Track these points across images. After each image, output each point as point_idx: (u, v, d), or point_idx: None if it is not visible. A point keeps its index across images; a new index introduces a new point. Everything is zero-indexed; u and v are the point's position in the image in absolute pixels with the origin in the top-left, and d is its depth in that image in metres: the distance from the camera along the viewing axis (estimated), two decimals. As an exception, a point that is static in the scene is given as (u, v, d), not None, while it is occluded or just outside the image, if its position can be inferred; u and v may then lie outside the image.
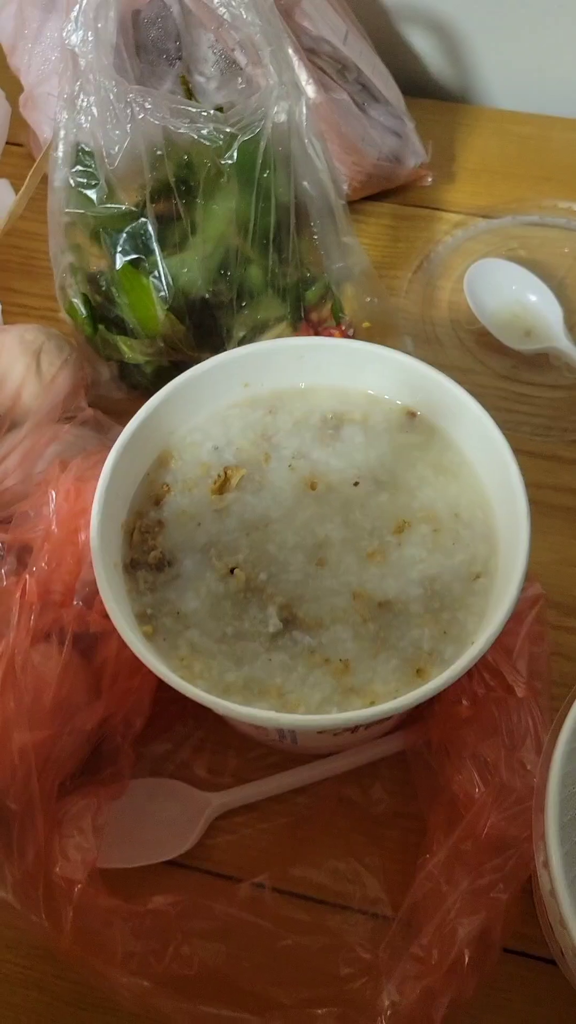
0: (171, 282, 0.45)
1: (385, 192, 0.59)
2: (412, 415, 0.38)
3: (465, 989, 0.32)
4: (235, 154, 0.44)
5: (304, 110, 0.43)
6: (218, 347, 0.47)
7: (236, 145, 0.43)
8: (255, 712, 0.31)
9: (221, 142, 0.44)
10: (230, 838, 0.39)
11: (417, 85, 0.65)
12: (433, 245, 0.56)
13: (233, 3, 0.42)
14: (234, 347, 0.42)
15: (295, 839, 0.39)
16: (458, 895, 0.33)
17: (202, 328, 0.47)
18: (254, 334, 0.48)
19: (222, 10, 0.43)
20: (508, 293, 0.52)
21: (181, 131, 0.43)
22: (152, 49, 0.49)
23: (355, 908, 0.37)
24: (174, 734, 0.41)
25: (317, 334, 0.49)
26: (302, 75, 0.46)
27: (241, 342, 0.47)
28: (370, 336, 0.51)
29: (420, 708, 0.33)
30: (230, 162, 0.44)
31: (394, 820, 0.39)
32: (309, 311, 0.50)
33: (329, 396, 0.39)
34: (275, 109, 0.42)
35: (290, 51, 0.45)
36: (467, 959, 0.32)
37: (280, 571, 0.35)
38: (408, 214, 0.59)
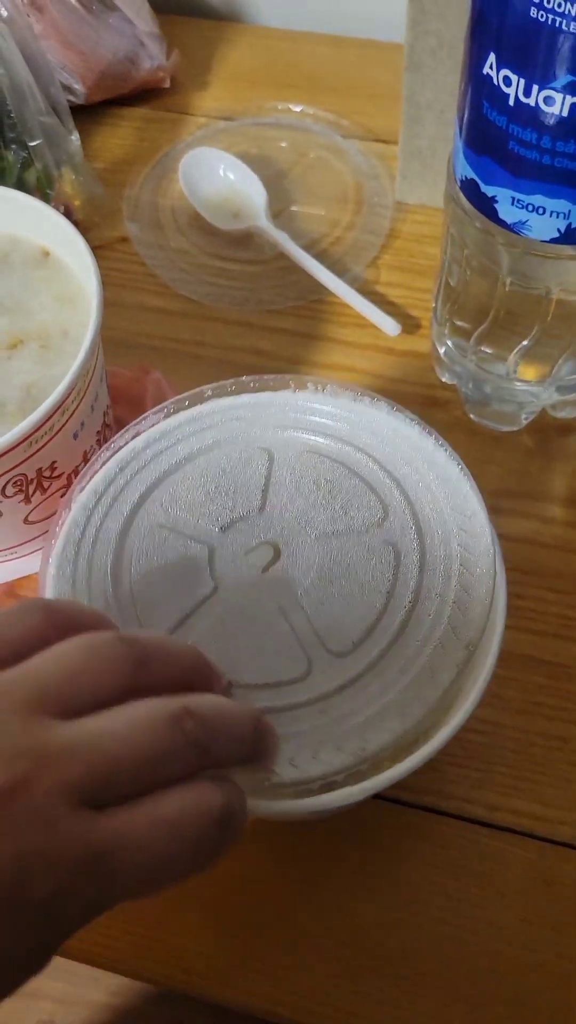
0: None
1: (138, 98, 0.63)
2: (46, 254, 0.43)
3: None
4: None
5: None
6: None
7: None
8: None
9: None
10: None
11: (187, 4, 0.69)
12: (174, 144, 0.61)
13: None
14: None
15: None
16: None
17: None
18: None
19: None
20: (220, 179, 0.57)
21: None
22: None
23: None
24: None
25: (36, 213, 0.54)
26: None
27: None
28: (88, 216, 0.56)
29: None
30: None
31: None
32: (32, 191, 0.55)
33: (-23, 240, 0.44)
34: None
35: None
36: None
37: None
38: (158, 117, 0.63)
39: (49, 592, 0.32)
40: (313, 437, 0.37)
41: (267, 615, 0.31)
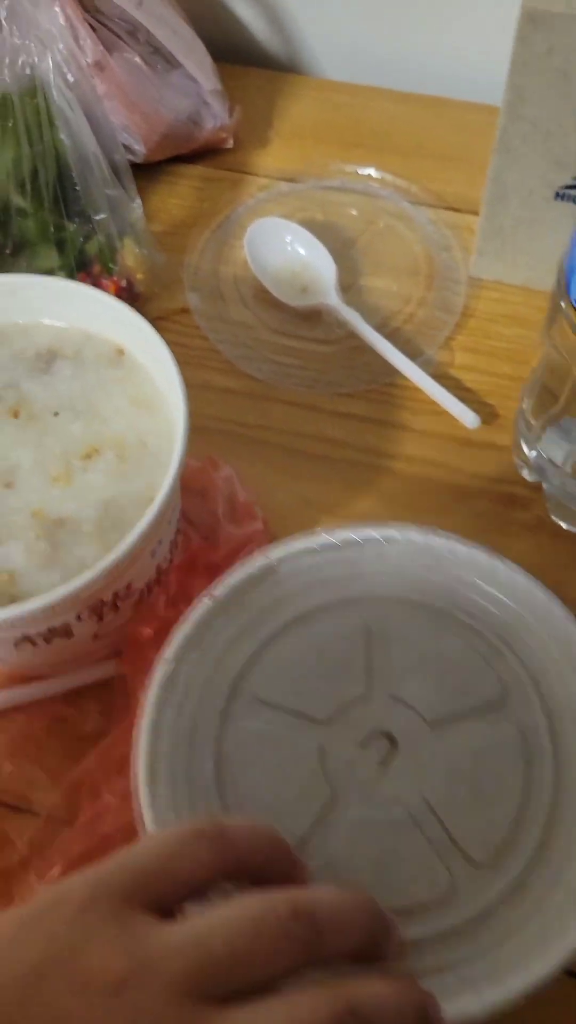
0: None
1: (197, 156, 0.61)
2: (120, 352, 0.41)
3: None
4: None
5: (51, 64, 0.45)
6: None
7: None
8: None
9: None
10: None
11: (245, 53, 0.67)
12: (235, 206, 0.58)
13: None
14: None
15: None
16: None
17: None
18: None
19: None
20: (288, 251, 0.54)
21: None
22: None
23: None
24: None
25: (96, 285, 0.51)
26: (62, 31, 0.47)
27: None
28: (148, 288, 0.53)
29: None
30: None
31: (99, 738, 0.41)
32: (92, 263, 0.52)
33: (47, 333, 0.41)
34: (20, 62, 0.44)
35: (56, 8, 0.47)
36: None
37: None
38: (218, 176, 0.60)
39: (150, 825, 0.28)
40: (404, 594, 0.34)
41: (396, 824, 0.28)
